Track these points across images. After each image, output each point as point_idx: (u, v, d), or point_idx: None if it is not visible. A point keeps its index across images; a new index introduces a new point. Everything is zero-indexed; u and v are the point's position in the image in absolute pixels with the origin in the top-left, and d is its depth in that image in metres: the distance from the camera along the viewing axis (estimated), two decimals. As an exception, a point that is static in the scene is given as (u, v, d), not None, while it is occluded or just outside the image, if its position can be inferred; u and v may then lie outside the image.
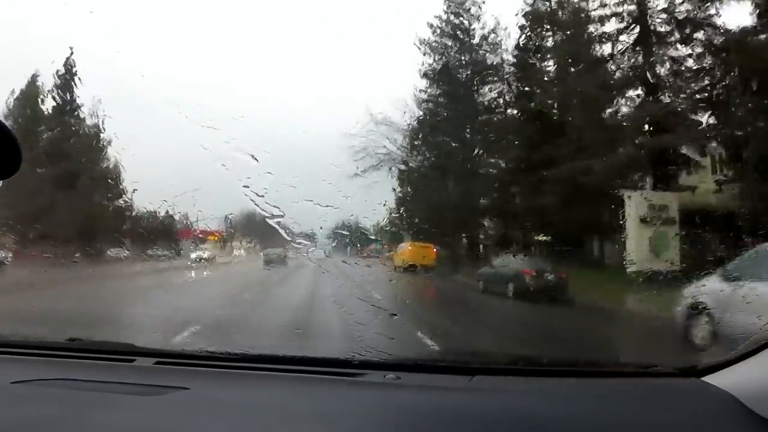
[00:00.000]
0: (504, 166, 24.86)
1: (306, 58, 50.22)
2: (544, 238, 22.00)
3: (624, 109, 20.76)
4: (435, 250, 21.66)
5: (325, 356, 2.32)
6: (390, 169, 27.79)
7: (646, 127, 20.03)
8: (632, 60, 20.41)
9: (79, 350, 2.34)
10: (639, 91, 20.22)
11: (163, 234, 21.77)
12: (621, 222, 14.93)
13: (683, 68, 19.23)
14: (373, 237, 22.59)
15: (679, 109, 18.53)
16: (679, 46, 19.42)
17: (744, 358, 1.70)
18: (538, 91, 23.64)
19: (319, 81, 48.93)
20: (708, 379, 1.75)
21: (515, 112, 25.80)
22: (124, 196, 24.02)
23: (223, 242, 31.08)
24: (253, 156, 5.01)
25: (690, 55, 19.07)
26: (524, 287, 12.66)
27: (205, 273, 20.14)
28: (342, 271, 15.44)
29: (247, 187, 4.71)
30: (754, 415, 1.51)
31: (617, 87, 20.27)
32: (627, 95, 20.58)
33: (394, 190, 26.68)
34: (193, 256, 22.39)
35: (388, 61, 50.38)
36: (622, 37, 20.60)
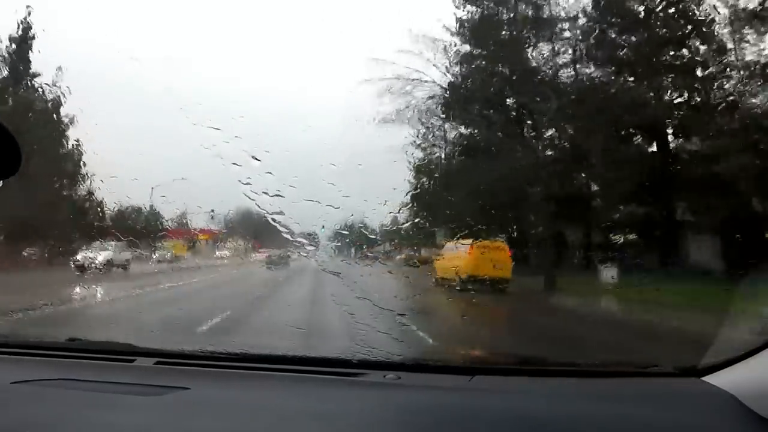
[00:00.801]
0: (586, 139, 19.42)
1: (306, 51, 49.68)
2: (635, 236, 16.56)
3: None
4: (510, 253, 14.72)
5: (325, 356, 2.32)
6: (435, 101, 21.59)
7: None
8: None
9: (78, 350, 2.35)
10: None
11: (134, 232, 18.23)
12: None
13: None
14: (373, 237, 18.93)
15: None
16: None
17: (744, 358, 1.70)
18: (623, 39, 18.96)
19: (320, 74, 48.21)
20: (708, 379, 1.75)
21: (591, 69, 20.49)
22: (80, 184, 20.45)
23: (217, 242, 30.02)
24: (254, 157, 4.98)
25: None
26: None
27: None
28: (356, 284, 9.22)
29: (248, 185, 4.66)
30: (754, 415, 1.51)
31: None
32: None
33: (412, 174, 21.81)
34: (78, 257, 14.85)
35: (403, 32, 47.34)
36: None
